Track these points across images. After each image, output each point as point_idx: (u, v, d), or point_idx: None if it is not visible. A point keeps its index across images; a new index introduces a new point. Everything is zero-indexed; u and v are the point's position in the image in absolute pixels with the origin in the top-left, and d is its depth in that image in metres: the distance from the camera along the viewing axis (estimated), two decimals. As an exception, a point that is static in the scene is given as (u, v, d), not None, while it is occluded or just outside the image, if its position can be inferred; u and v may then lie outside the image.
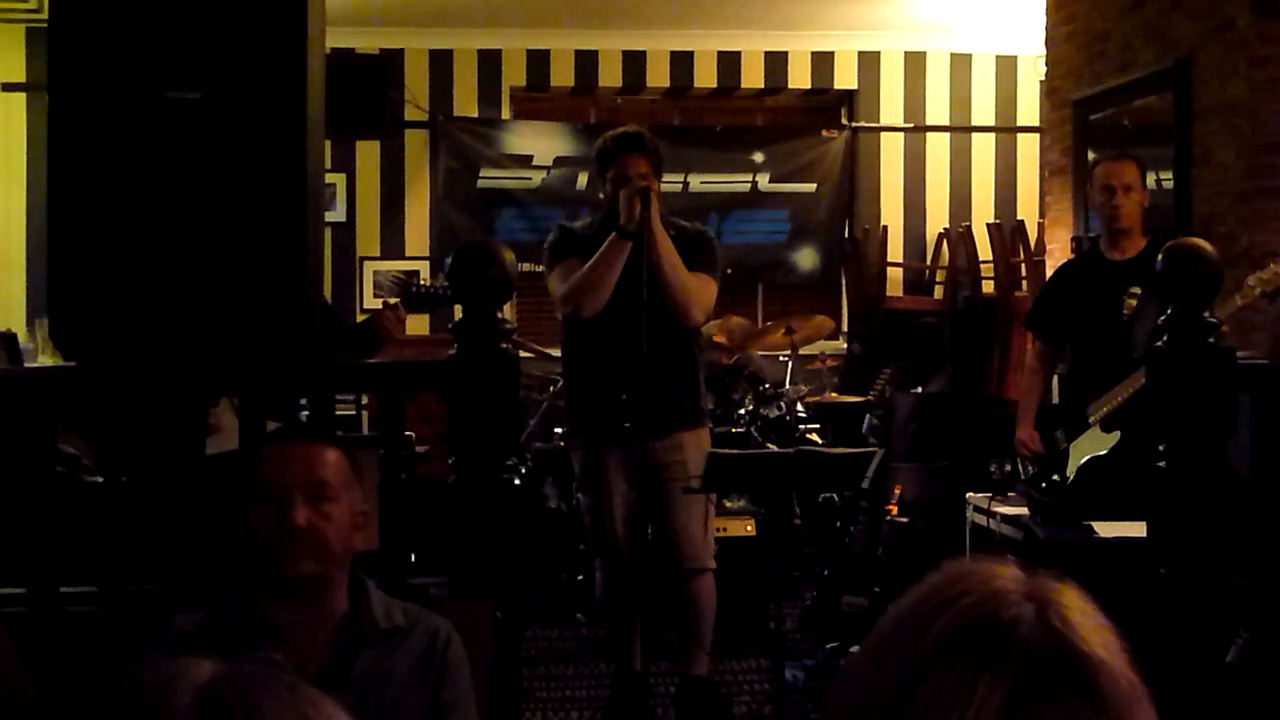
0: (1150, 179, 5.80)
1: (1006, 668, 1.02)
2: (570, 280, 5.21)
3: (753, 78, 10.61)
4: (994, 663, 1.02)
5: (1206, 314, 3.58)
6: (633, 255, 5.06)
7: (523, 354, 7.63)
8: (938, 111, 10.74)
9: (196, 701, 1.00)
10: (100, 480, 3.63)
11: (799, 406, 7.68)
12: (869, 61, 10.67)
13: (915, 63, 10.70)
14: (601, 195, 5.45)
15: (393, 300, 5.21)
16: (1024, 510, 5.68)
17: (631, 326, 4.93)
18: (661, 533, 5.23)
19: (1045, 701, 1.01)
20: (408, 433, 4.67)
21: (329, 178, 9.51)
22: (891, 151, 10.75)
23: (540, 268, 6.91)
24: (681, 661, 5.40)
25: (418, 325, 9.92)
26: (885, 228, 10.60)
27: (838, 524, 7.28)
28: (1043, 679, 1.02)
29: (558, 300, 5.31)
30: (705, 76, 10.57)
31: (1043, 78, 8.91)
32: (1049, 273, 7.35)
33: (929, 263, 10.68)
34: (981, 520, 6.02)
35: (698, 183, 10.40)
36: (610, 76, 10.50)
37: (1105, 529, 4.95)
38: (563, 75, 10.46)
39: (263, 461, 2.70)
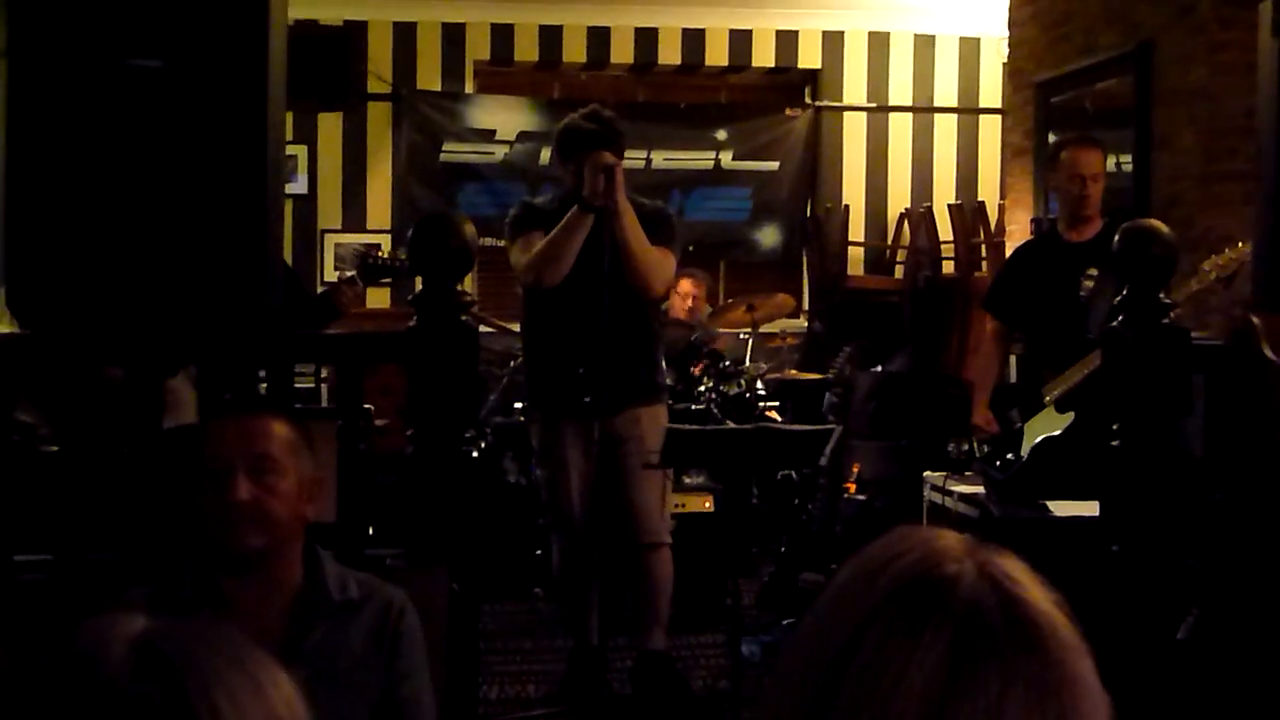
0: (1110, 162, 5.84)
1: (950, 618, 1.04)
2: (531, 251, 5.21)
3: (717, 55, 10.60)
4: (937, 613, 1.04)
5: (1162, 295, 3.61)
6: (595, 229, 5.06)
7: (483, 329, 7.62)
8: (901, 92, 10.76)
9: (131, 653, 0.99)
10: (56, 450, 3.62)
11: (759, 384, 7.69)
12: (833, 41, 10.68)
13: (879, 43, 10.72)
14: (562, 173, 5.43)
15: (349, 274, 5.21)
16: (980, 489, 5.71)
17: (591, 301, 4.95)
18: (619, 507, 5.27)
19: (989, 650, 1.03)
20: (367, 405, 4.67)
21: (291, 149, 9.47)
22: (854, 131, 10.76)
23: (502, 242, 6.88)
24: (638, 635, 5.43)
25: (379, 299, 9.91)
26: (847, 207, 10.63)
27: (796, 501, 7.31)
28: (986, 629, 1.04)
29: (518, 270, 5.32)
30: (670, 53, 10.56)
31: (1005, 60, 8.95)
32: (1009, 254, 7.38)
33: (890, 242, 10.71)
34: (938, 498, 6.05)
35: (660, 159, 10.40)
36: (575, 52, 10.48)
37: (1059, 508, 4.99)
38: (527, 50, 10.43)
39: (207, 436, 2.68)
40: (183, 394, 4.31)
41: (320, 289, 9.12)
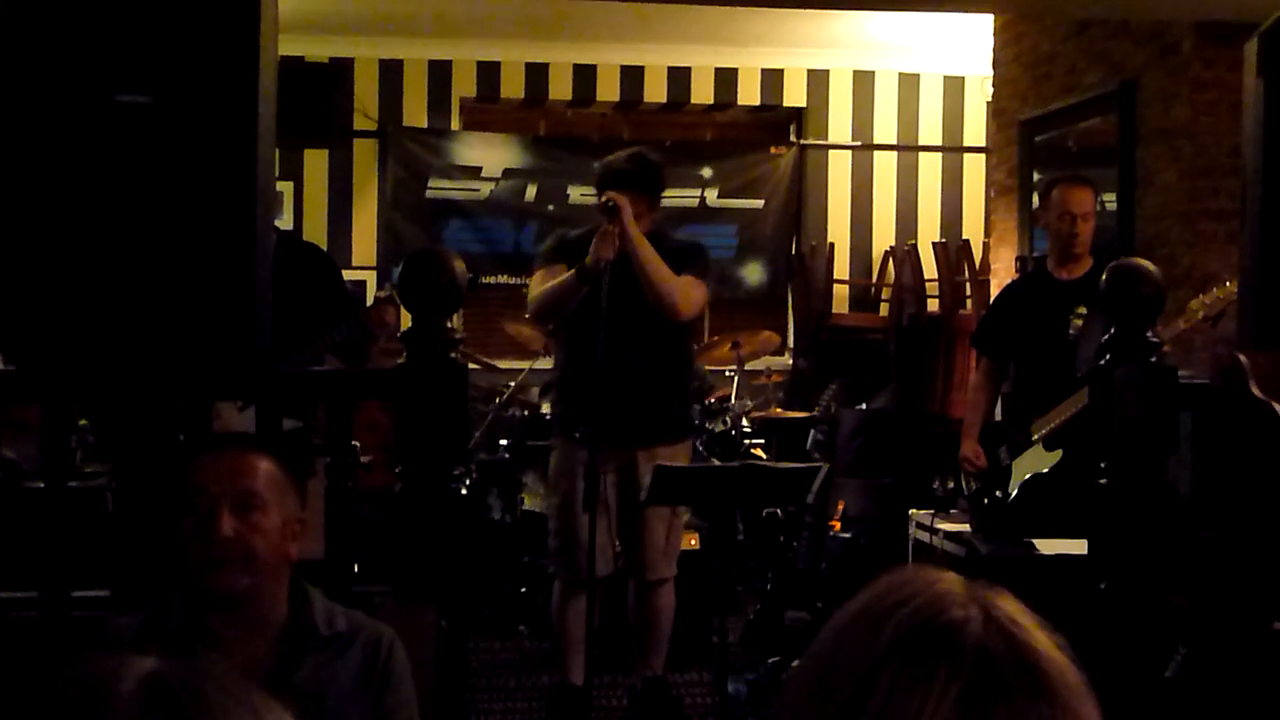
0: (1096, 200, 5.86)
1: (961, 664, 1.04)
2: (538, 290, 5.33)
3: (702, 93, 10.64)
4: (947, 660, 1.04)
5: (1149, 333, 3.62)
6: (621, 269, 5.09)
7: (470, 365, 7.63)
8: (885, 130, 10.80)
9: (140, 689, 1.00)
10: (41, 486, 3.60)
11: (744, 421, 7.70)
12: (818, 79, 10.72)
13: (864, 81, 10.76)
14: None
15: (384, 292, 5.17)
16: (966, 527, 5.71)
17: (589, 333, 4.98)
18: (630, 543, 5.36)
19: (1001, 696, 1.02)
20: (353, 442, 4.66)
21: (277, 186, 9.46)
22: (839, 169, 10.80)
23: (490, 279, 6.93)
24: (640, 662, 5.45)
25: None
26: (832, 244, 10.65)
27: (781, 538, 7.30)
28: (997, 675, 1.04)
29: (528, 304, 5.48)
30: (655, 91, 10.59)
31: (989, 98, 8.99)
32: (993, 292, 7.41)
33: (875, 280, 10.73)
34: (924, 536, 6.05)
35: (646, 196, 10.39)
36: (560, 89, 10.51)
37: (1046, 545, 4.99)
38: (513, 87, 10.46)
39: (192, 470, 2.67)
40: (229, 417, 4.34)
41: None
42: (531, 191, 10.25)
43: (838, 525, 7.03)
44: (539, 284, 5.36)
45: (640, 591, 5.41)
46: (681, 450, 5.48)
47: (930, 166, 10.85)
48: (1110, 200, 6.81)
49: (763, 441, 7.96)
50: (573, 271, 5.17)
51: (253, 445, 2.81)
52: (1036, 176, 7.79)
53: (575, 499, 5.21)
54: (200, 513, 2.59)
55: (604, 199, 5.17)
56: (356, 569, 3.99)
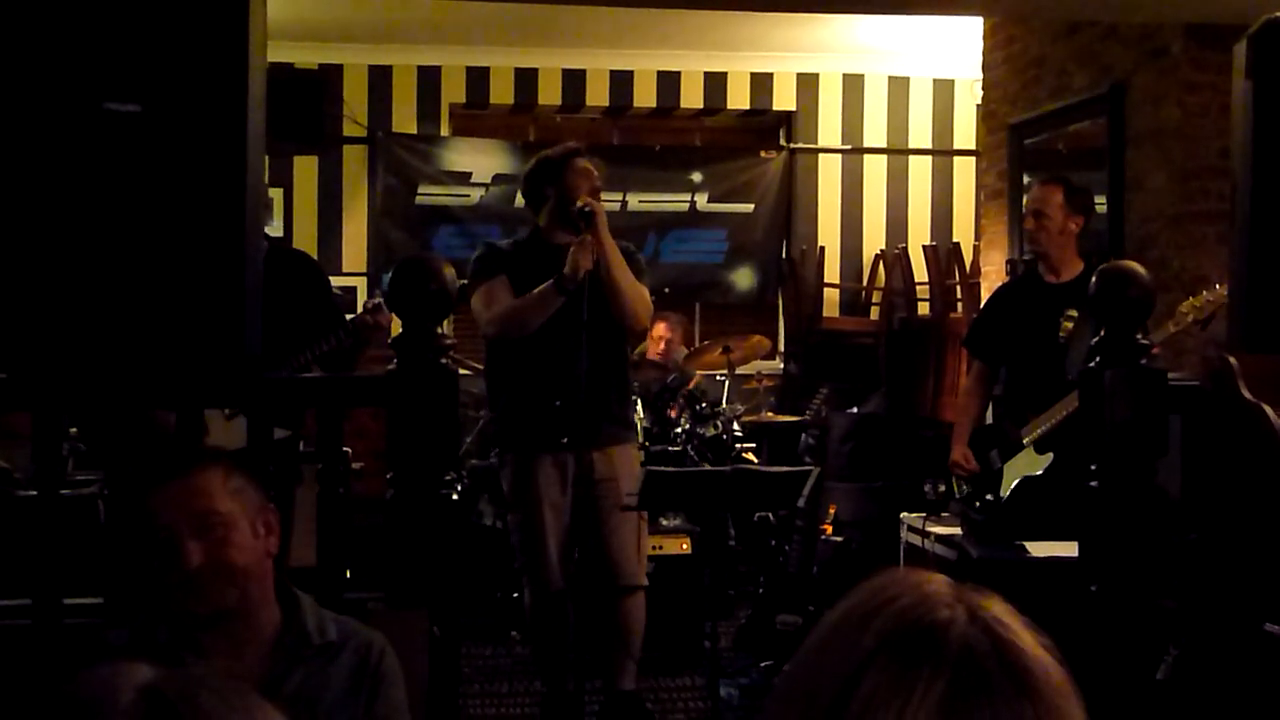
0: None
1: (944, 664, 1.04)
2: (498, 306, 5.22)
3: (692, 98, 10.64)
4: (931, 659, 1.04)
5: (1139, 336, 3.63)
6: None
7: (461, 371, 7.60)
8: (875, 134, 10.81)
9: (139, 698, 1.00)
10: (32, 494, 3.60)
11: (735, 425, 7.69)
12: (808, 83, 10.72)
13: (853, 85, 10.77)
14: (547, 203, 5.40)
15: (374, 301, 5.10)
16: (957, 530, 5.72)
17: (569, 342, 4.93)
18: (594, 550, 5.23)
19: (983, 695, 1.03)
20: (344, 448, 4.65)
21: (267, 192, 9.45)
22: (829, 173, 10.80)
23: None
24: (609, 676, 5.39)
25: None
26: (822, 248, 10.65)
27: (773, 542, 7.30)
28: (980, 674, 1.04)
29: (483, 321, 5.30)
30: (645, 96, 10.59)
31: (979, 102, 9.00)
32: (984, 295, 7.41)
33: (865, 284, 10.74)
34: (915, 539, 6.06)
35: (636, 202, 10.42)
36: (550, 95, 10.50)
37: (1037, 548, 4.99)
38: (502, 93, 10.46)
39: (147, 505, 2.60)
40: (216, 426, 4.33)
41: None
42: (521, 198, 10.24)
43: (829, 529, 7.03)
44: (486, 299, 5.25)
45: (611, 599, 5.30)
46: (633, 450, 5.47)
47: (920, 170, 10.86)
48: (1100, 203, 6.81)
49: (754, 446, 7.96)
50: (549, 283, 5.08)
51: (195, 460, 2.72)
52: (1026, 179, 7.79)
53: (543, 513, 5.21)
54: (164, 548, 2.53)
55: (579, 204, 5.10)
56: (348, 575, 3.99)
